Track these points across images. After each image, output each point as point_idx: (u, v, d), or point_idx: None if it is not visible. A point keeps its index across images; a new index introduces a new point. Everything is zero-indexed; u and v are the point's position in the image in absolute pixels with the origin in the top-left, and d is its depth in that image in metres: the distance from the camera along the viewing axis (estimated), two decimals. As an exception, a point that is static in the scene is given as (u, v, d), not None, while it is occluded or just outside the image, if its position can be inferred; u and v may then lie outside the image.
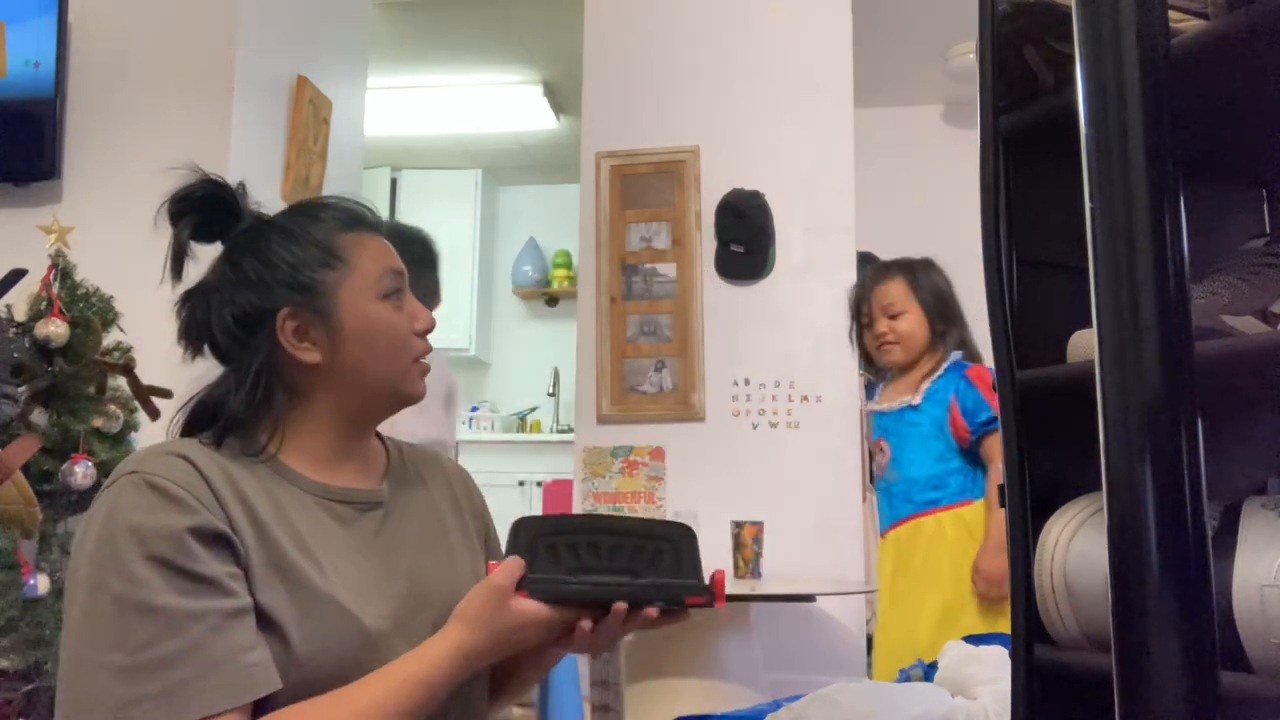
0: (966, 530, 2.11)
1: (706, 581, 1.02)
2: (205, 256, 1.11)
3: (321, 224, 1.08)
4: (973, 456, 2.19)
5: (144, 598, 0.88)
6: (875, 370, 2.42)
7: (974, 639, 1.67)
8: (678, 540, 1.05)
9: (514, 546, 1.01)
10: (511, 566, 0.98)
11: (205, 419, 1.06)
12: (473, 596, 0.98)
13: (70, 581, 0.93)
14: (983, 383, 2.14)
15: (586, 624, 0.99)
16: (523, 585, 0.99)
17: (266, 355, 1.04)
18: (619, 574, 1.02)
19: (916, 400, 2.19)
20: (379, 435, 1.18)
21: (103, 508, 0.94)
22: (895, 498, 2.23)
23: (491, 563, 1.01)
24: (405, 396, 1.12)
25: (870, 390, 2.36)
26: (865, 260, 3.85)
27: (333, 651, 0.96)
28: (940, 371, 2.21)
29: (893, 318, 2.22)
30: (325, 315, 1.05)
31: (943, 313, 2.22)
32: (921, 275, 2.28)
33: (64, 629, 0.91)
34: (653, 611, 1.00)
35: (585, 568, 1.02)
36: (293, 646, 0.94)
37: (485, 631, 0.97)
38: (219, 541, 0.93)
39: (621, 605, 0.99)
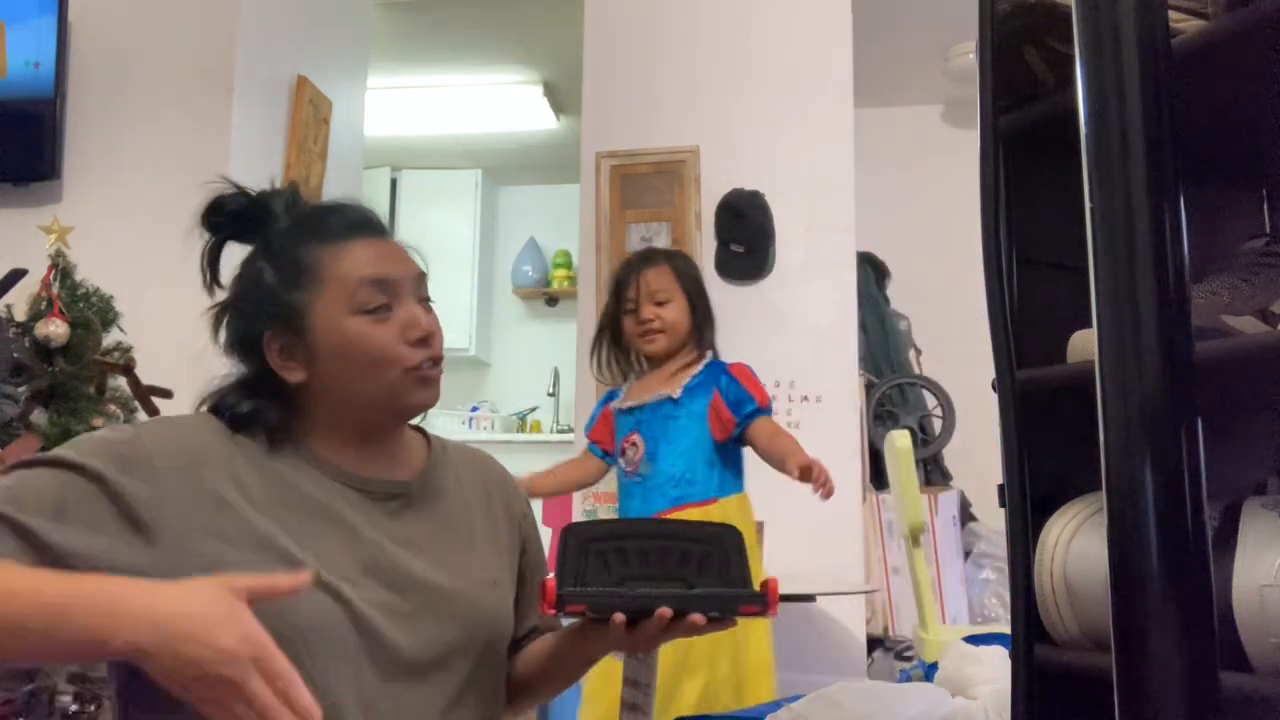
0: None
1: (756, 588, 1.01)
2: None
3: (305, 237, 1.08)
4: (727, 456, 2.15)
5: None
6: (616, 372, 2.26)
7: (974, 639, 1.67)
8: (726, 544, 1.04)
9: (563, 554, 1.02)
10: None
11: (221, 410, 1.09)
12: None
13: None
14: (745, 377, 2.12)
15: (620, 618, 0.98)
16: (576, 598, 0.99)
17: (259, 372, 1.08)
18: (670, 580, 1.01)
19: (676, 394, 2.11)
20: (423, 431, 1.18)
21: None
22: (651, 492, 2.14)
23: (547, 579, 1.01)
24: (406, 407, 1.09)
25: (612, 396, 2.22)
26: (865, 260, 3.85)
27: (296, 618, 0.95)
28: (700, 368, 2.15)
29: (659, 304, 2.11)
30: (301, 335, 1.05)
31: (703, 308, 2.16)
32: (685, 266, 2.22)
33: None
34: (700, 619, 1.00)
35: (635, 575, 1.01)
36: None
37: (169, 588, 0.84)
38: (118, 515, 0.94)
39: (666, 611, 0.98)
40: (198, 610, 0.81)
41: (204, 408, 1.09)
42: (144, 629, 0.80)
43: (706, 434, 2.10)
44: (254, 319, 1.07)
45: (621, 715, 1.21)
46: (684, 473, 2.11)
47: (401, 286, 1.08)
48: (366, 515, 1.06)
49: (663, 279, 2.13)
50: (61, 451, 0.97)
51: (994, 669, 1.39)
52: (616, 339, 2.22)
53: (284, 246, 1.08)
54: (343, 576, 1.00)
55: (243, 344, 1.08)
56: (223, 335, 1.10)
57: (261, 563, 0.96)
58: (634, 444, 2.16)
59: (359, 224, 1.10)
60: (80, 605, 0.82)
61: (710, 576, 1.02)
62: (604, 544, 1.03)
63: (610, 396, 2.19)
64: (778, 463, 2.04)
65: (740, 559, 1.03)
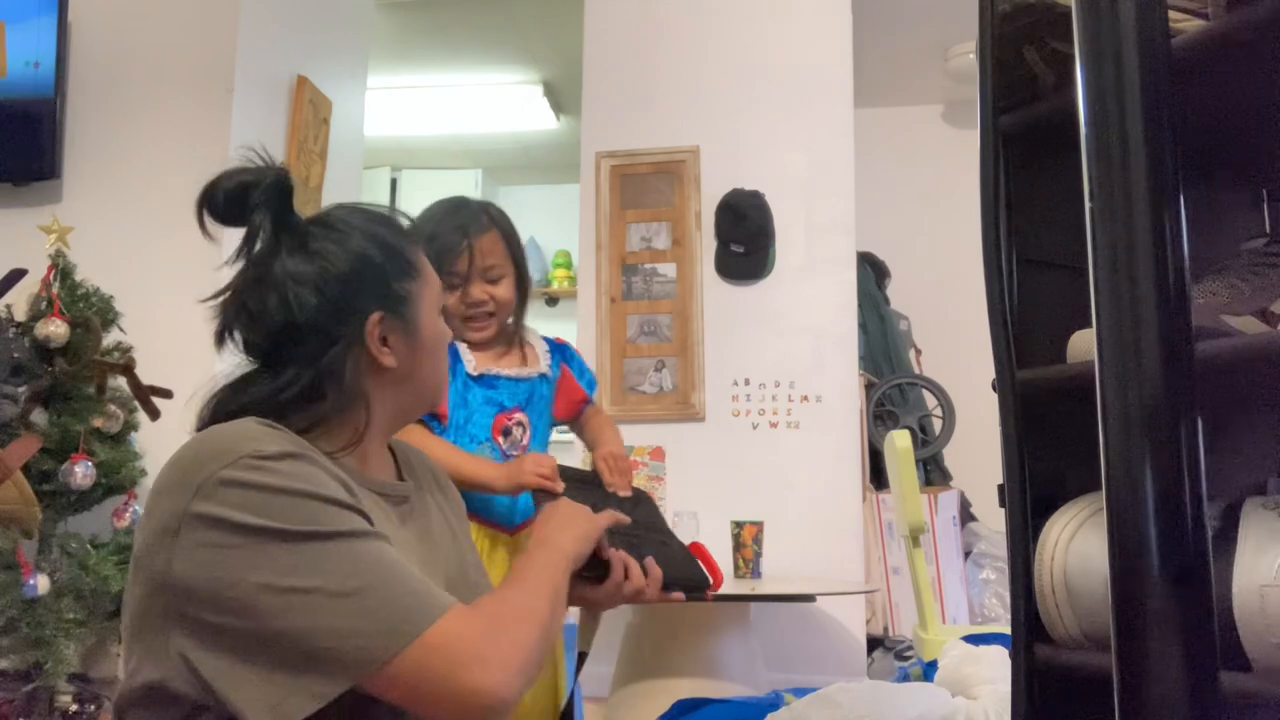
0: None
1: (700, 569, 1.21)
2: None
3: (395, 229, 1.11)
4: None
5: (332, 529, 0.88)
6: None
7: (974, 639, 1.67)
8: (654, 510, 1.29)
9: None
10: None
11: (234, 411, 1.01)
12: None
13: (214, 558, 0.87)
14: (581, 354, 1.92)
15: (619, 553, 1.13)
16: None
17: (341, 352, 1.02)
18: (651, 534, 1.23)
19: (548, 370, 1.83)
20: None
21: (239, 484, 0.88)
22: None
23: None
24: (439, 399, 1.19)
25: (454, 353, 1.75)
26: (865, 260, 3.85)
27: None
28: (544, 342, 1.87)
29: (492, 282, 1.72)
30: (409, 324, 1.08)
31: (524, 276, 1.80)
32: (511, 228, 1.80)
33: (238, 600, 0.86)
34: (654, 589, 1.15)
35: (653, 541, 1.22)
36: None
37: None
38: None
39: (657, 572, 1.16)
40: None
41: (210, 405, 1.02)
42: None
43: (551, 413, 1.87)
44: (360, 297, 1.04)
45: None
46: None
47: None
48: (389, 520, 1.07)
49: (496, 249, 1.74)
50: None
51: (994, 669, 1.39)
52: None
53: (382, 235, 1.09)
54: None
55: (334, 313, 1.03)
56: (295, 308, 1.02)
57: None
58: (521, 424, 1.83)
59: (417, 231, 1.19)
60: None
61: (670, 560, 1.20)
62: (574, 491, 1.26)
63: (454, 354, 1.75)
64: (591, 444, 1.86)
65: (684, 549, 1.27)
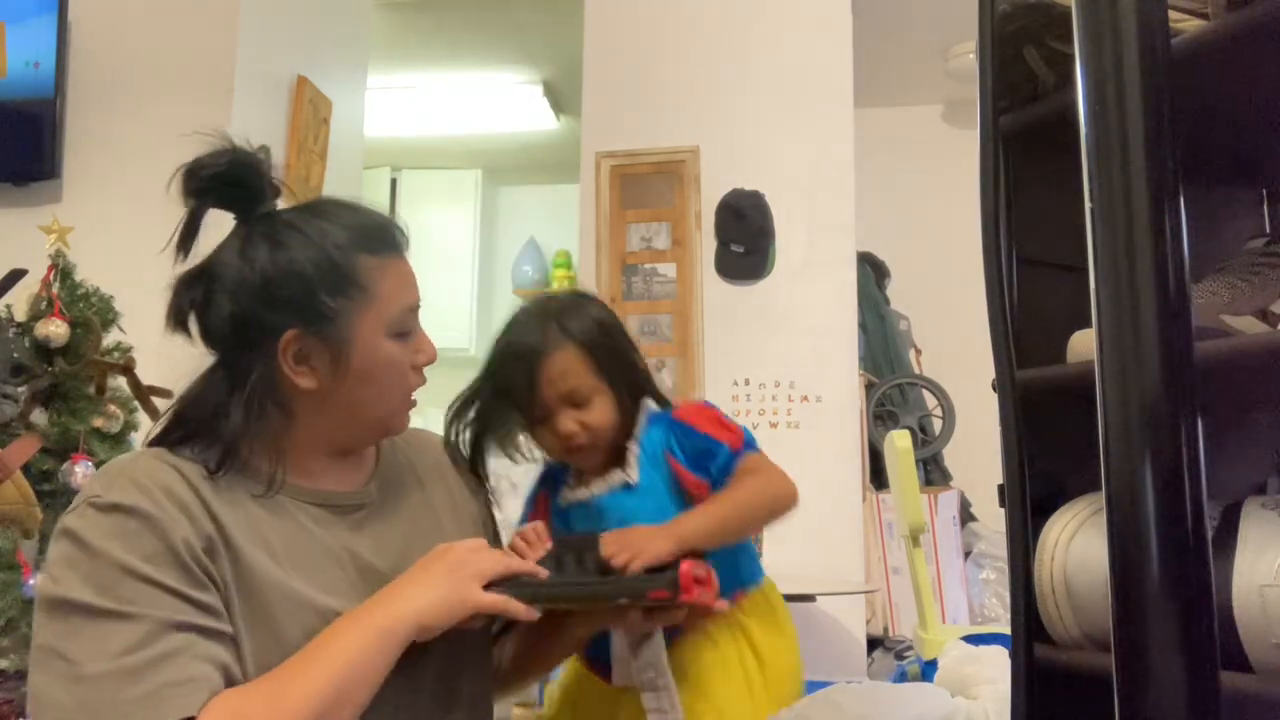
0: (748, 643, 1.43)
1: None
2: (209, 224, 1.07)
3: (347, 239, 1.01)
4: None
5: (113, 606, 0.88)
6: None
7: (974, 639, 1.67)
8: None
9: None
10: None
11: (193, 424, 1.01)
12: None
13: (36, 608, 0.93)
14: (701, 417, 1.45)
15: (520, 607, 1.00)
16: (505, 591, 1.01)
17: (262, 368, 0.99)
18: (607, 576, 1.07)
19: (633, 476, 1.43)
20: None
21: (67, 534, 0.93)
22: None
23: None
24: (391, 430, 1.10)
25: (554, 476, 1.46)
26: (865, 260, 3.85)
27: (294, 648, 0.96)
28: (642, 428, 1.46)
29: (578, 406, 1.40)
30: (333, 345, 1.00)
31: (626, 370, 1.43)
32: (590, 330, 1.42)
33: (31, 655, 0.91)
34: (625, 612, 1.07)
35: (566, 579, 1.08)
36: (247, 666, 0.93)
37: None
38: (195, 562, 0.92)
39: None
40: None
41: (166, 419, 1.03)
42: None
43: (683, 505, 1.41)
44: (277, 310, 0.98)
45: (644, 699, 1.20)
46: None
47: (417, 312, 1.08)
48: (333, 532, 1.04)
49: (575, 369, 1.39)
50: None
51: (994, 668, 1.39)
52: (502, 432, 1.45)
53: (325, 245, 1.00)
54: (328, 594, 1.00)
55: (246, 332, 0.99)
56: (211, 314, 1.01)
57: (242, 598, 0.96)
58: None
59: (400, 241, 1.07)
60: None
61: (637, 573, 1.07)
62: (563, 550, 1.10)
63: (551, 476, 1.48)
64: None
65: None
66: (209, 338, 1.03)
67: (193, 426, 1.01)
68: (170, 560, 0.90)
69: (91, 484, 0.95)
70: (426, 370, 1.12)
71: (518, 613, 1.00)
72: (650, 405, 1.45)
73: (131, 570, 0.88)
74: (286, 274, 0.99)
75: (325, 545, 1.03)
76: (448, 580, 0.97)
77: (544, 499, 1.45)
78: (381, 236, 1.05)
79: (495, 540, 1.23)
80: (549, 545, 1.13)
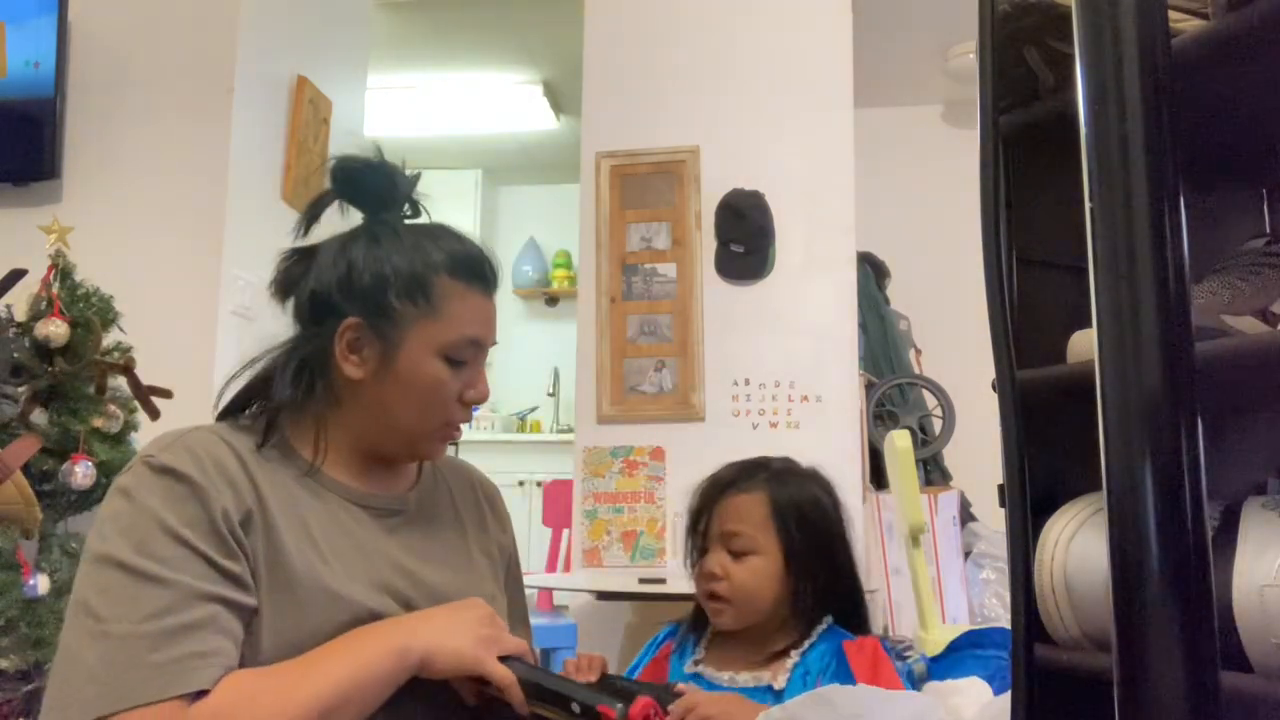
0: None
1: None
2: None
3: (436, 259, 1.07)
4: None
5: (147, 566, 0.90)
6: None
7: (974, 632, 1.67)
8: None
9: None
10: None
11: (253, 386, 1.09)
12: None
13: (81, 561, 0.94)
14: (871, 670, 1.30)
15: (519, 695, 1.00)
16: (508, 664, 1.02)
17: (319, 346, 1.06)
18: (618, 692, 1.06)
19: (779, 682, 1.30)
20: None
21: (119, 490, 0.96)
22: None
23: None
24: (420, 454, 1.13)
25: (686, 640, 1.39)
26: (865, 260, 3.85)
27: (321, 635, 0.97)
28: (812, 640, 1.35)
29: (734, 554, 1.32)
30: (385, 342, 1.05)
31: (815, 566, 1.36)
32: (794, 495, 1.37)
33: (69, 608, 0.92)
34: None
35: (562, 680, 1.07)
36: (262, 639, 0.95)
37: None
38: (230, 533, 0.95)
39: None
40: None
41: (235, 387, 1.08)
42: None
43: None
44: (348, 297, 1.05)
45: None
46: None
47: (484, 351, 1.11)
48: (369, 531, 1.07)
49: (751, 515, 1.33)
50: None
51: (975, 695, 1.38)
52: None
53: (415, 256, 1.06)
54: (361, 584, 1.01)
55: (319, 306, 1.06)
56: (300, 289, 1.08)
57: (274, 578, 0.98)
58: None
59: (488, 279, 1.11)
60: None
61: (608, 688, 1.09)
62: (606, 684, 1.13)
63: (672, 634, 1.43)
64: None
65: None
66: (295, 309, 1.10)
67: (252, 388, 1.08)
68: (208, 529, 0.93)
69: (149, 446, 0.99)
70: None
71: (514, 697, 1.00)
72: (828, 623, 1.37)
73: (170, 531, 0.92)
74: (369, 269, 1.05)
75: (358, 539, 1.05)
76: (473, 635, 1.00)
77: (662, 659, 1.40)
78: (469, 266, 1.09)
79: (508, 578, 1.24)
80: (593, 677, 1.14)
